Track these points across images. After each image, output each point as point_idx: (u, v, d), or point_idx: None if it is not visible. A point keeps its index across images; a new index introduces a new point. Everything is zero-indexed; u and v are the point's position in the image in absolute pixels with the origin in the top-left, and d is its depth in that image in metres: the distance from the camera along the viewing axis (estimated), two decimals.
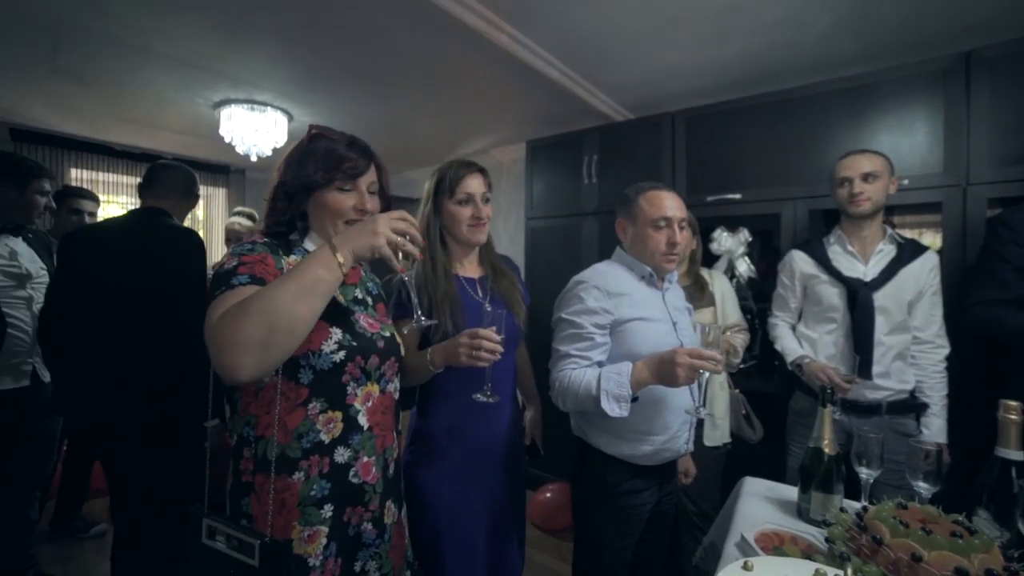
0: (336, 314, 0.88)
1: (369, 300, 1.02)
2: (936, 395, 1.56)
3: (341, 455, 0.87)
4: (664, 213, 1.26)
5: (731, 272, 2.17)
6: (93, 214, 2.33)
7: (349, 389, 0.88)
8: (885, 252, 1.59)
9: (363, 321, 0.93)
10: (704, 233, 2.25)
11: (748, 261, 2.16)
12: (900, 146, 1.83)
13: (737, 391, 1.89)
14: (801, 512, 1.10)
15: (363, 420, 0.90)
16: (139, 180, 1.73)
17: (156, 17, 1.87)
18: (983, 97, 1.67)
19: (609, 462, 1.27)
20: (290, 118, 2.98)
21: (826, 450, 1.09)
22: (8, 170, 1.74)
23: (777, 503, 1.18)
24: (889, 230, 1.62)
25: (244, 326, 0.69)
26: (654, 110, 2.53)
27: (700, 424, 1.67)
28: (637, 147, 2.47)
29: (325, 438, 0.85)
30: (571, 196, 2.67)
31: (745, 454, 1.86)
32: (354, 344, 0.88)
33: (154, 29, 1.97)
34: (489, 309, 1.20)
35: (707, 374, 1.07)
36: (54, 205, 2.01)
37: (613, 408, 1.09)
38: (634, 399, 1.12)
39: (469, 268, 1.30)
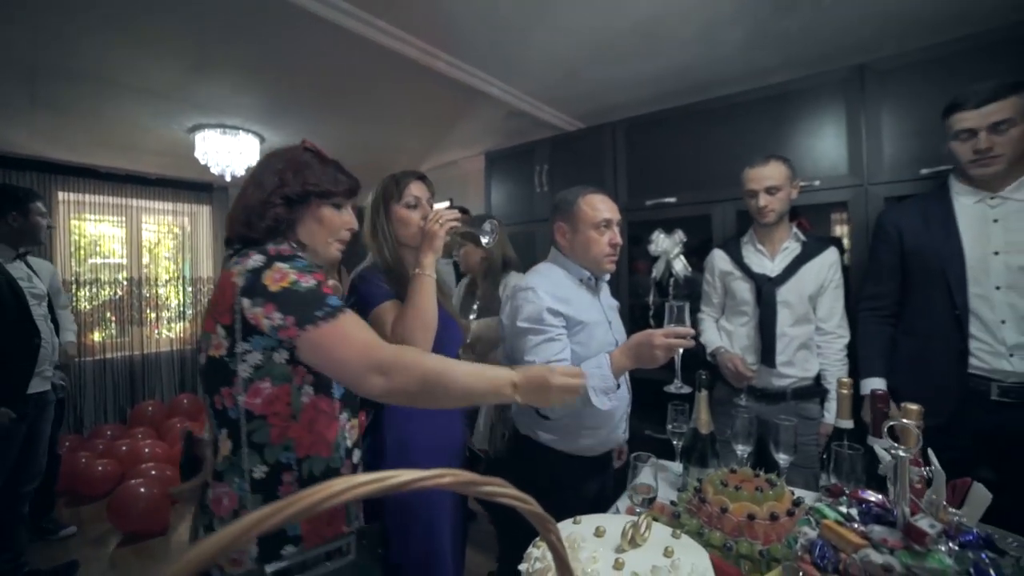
0: None
1: None
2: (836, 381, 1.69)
3: (356, 456, 0.98)
4: (605, 216, 1.33)
5: (668, 271, 2.31)
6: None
7: (358, 398, 0.99)
8: (790, 250, 1.73)
9: None
10: (643, 235, 2.40)
11: (684, 260, 2.30)
12: (812, 149, 1.97)
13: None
14: (683, 486, 1.24)
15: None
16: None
17: (123, 53, 2.03)
18: (877, 105, 1.81)
19: (559, 458, 1.34)
20: (262, 140, 3.15)
21: (701, 430, 1.23)
22: (10, 198, 1.94)
23: (668, 479, 1.32)
24: (794, 228, 1.75)
25: (411, 385, 0.80)
26: (601, 119, 2.68)
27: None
28: (583, 156, 2.62)
29: (350, 443, 0.94)
30: (525, 204, 2.82)
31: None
32: None
33: (122, 64, 2.13)
34: None
35: (681, 350, 1.14)
36: (53, 225, 2.22)
37: (603, 401, 1.15)
38: (617, 387, 1.19)
39: None
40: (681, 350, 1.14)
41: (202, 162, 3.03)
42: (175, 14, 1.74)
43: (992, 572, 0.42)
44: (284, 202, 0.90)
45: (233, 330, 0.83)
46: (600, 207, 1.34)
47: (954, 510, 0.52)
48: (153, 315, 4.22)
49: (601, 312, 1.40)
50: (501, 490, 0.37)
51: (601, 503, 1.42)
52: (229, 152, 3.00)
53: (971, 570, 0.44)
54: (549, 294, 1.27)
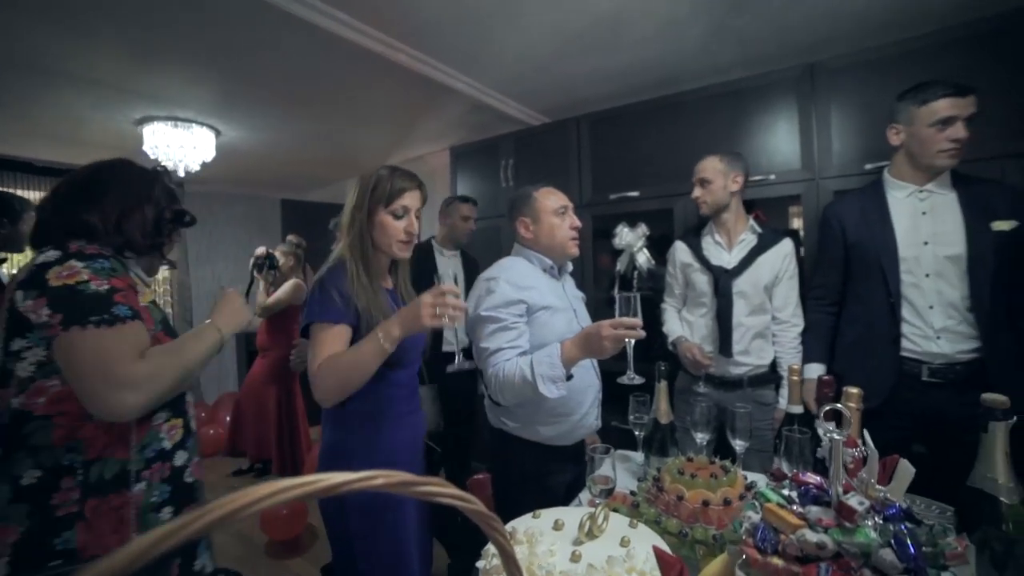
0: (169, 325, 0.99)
1: None
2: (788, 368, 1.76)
3: (180, 458, 0.94)
4: (563, 202, 1.41)
5: (632, 264, 2.35)
6: None
7: (187, 397, 0.98)
8: (746, 242, 1.79)
9: None
10: (607, 229, 2.44)
11: (647, 254, 2.34)
12: (767, 144, 2.04)
13: None
14: (643, 475, 1.27)
15: (192, 424, 1.00)
16: None
17: (63, 41, 1.91)
18: (826, 102, 1.89)
19: (528, 448, 1.36)
20: (218, 133, 3.02)
21: (661, 420, 1.26)
22: (4, 206, 1.88)
23: (631, 470, 1.35)
24: (751, 221, 1.81)
25: (166, 386, 0.83)
26: (566, 114, 2.69)
27: None
28: (548, 150, 2.63)
29: (168, 444, 0.91)
30: (491, 199, 2.81)
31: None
32: None
33: (62, 52, 2.00)
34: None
35: (632, 341, 1.12)
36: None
37: (551, 390, 1.15)
38: (569, 377, 1.17)
39: (386, 279, 1.30)
40: (633, 341, 1.12)
41: (151, 156, 2.88)
42: None
43: (908, 540, 0.45)
44: (173, 219, 0.99)
45: (2, 326, 0.80)
46: (554, 197, 1.42)
47: (880, 486, 0.55)
48: None
49: (565, 300, 1.43)
50: (440, 490, 0.37)
51: (577, 494, 1.44)
52: (182, 146, 2.86)
53: (891, 541, 0.47)
54: (511, 284, 1.31)
